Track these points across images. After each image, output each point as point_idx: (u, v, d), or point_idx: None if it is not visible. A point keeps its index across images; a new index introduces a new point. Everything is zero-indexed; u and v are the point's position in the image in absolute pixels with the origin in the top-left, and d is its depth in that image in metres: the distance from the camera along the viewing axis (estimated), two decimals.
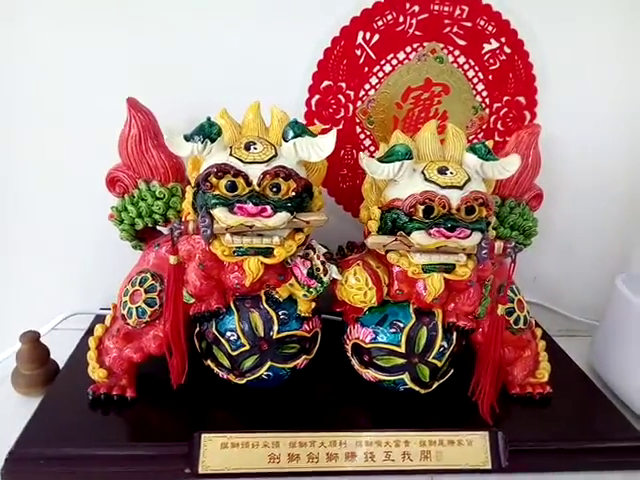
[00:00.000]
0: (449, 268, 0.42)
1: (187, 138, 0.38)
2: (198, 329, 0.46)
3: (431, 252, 0.41)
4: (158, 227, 0.49)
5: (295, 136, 0.38)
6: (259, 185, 0.38)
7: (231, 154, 0.38)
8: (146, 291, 0.45)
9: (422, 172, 0.40)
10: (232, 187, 0.38)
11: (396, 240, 0.41)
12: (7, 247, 0.58)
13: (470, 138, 0.56)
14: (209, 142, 0.38)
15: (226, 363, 0.45)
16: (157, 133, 0.46)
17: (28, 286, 0.59)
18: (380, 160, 0.40)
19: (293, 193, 0.39)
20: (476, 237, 0.40)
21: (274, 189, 0.38)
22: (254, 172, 0.38)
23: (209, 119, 0.39)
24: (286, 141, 0.39)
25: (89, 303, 0.58)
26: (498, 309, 0.44)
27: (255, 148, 0.39)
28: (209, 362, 0.46)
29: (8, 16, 0.50)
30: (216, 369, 0.46)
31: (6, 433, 0.41)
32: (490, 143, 0.44)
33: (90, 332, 0.49)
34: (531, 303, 0.65)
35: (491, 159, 0.41)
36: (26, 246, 0.58)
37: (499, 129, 0.57)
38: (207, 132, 0.38)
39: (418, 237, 0.40)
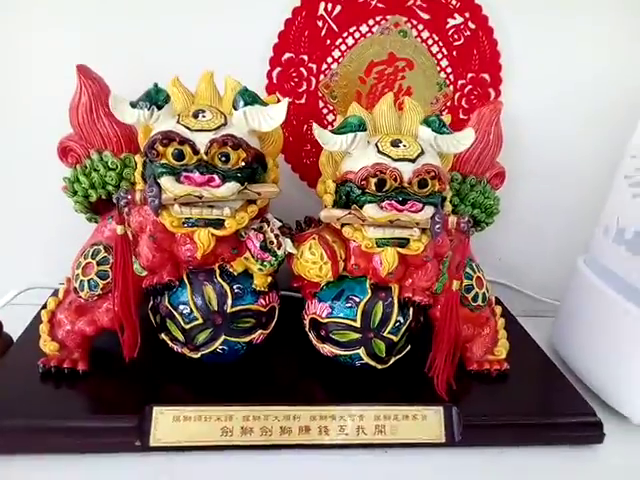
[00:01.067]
0: (403, 242, 0.42)
1: (133, 105, 0.37)
2: (152, 302, 0.45)
3: (385, 226, 0.41)
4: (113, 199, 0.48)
5: (245, 104, 0.38)
6: (207, 154, 0.37)
7: (178, 122, 0.37)
8: (98, 263, 0.44)
9: (375, 144, 0.40)
10: (179, 155, 0.37)
11: (350, 214, 0.41)
12: None
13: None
14: (156, 109, 0.37)
15: (180, 337, 0.45)
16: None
17: None
18: (333, 132, 0.40)
19: (243, 163, 0.38)
20: (428, 211, 0.40)
21: (223, 158, 0.37)
22: (202, 140, 0.37)
23: (156, 85, 0.38)
24: (236, 109, 0.38)
25: (47, 277, 0.57)
26: (453, 284, 0.44)
27: (204, 116, 0.38)
28: (163, 336, 0.46)
29: None
30: (170, 343, 0.46)
31: None
32: (448, 119, 0.43)
33: (43, 305, 0.48)
34: (496, 283, 0.66)
35: (445, 132, 0.40)
36: None
37: (463, 106, 0.56)
38: (154, 98, 0.37)
39: (370, 210, 0.39)
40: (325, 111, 0.55)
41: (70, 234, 0.52)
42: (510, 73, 0.55)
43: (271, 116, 0.38)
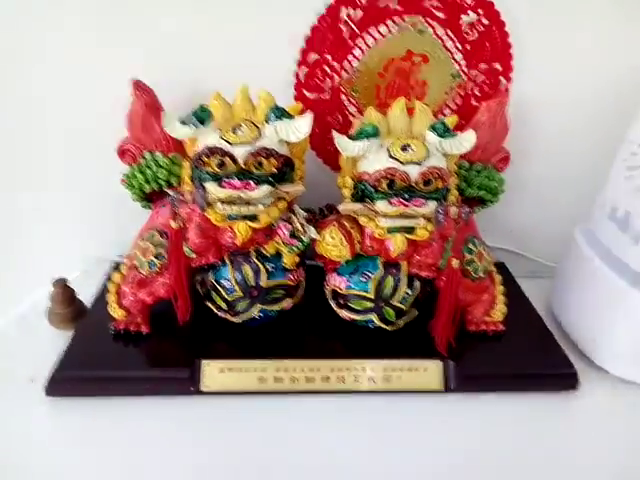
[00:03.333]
0: (410, 230, 0.49)
1: (182, 122, 0.44)
2: (199, 277, 0.54)
3: (394, 217, 0.48)
4: (164, 190, 0.56)
5: (275, 119, 0.44)
6: (244, 163, 0.44)
7: (220, 137, 0.44)
8: (155, 246, 0.52)
9: (387, 149, 0.46)
10: (221, 165, 0.44)
11: (364, 207, 0.48)
12: (42, 208, 0.66)
13: (448, 103, 0.61)
14: (201, 126, 0.44)
15: (223, 306, 0.54)
16: (159, 111, 0.52)
17: (57, 236, 0.67)
18: (350, 138, 0.46)
19: (274, 169, 0.45)
20: (431, 205, 0.47)
21: (257, 166, 0.44)
22: (240, 152, 0.44)
23: (201, 106, 0.45)
24: (268, 124, 0.45)
25: (107, 251, 0.67)
26: (453, 262, 0.51)
27: (241, 131, 0.45)
28: (209, 304, 0.55)
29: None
30: (215, 310, 0.55)
31: (47, 358, 0.51)
32: (453, 120, 0.49)
33: (109, 278, 0.58)
34: (505, 250, 0.73)
35: (448, 136, 0.46)
36: (55, 206, 0.66)
37: (476, 94, 0.60)
38: (199, 117, 0.44)
39: (381, 205, 0.46)
40: (347, 103, 0.60)
41: (120, 217, 0.61)
42: (520, 61, 0.59)
43: (298, 129, 0.45)
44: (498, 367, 0.55)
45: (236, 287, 0.52)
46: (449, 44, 0.57)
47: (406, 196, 0.45)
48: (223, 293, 0.52)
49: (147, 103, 0.50)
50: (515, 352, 0.57)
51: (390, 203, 0.46)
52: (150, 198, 0.56)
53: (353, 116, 0.61)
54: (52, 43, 0.56)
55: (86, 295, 0.61)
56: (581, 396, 0.54)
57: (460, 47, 0.57)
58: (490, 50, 0.58)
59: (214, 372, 0.51)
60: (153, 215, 0.55)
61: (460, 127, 0.56)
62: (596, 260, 0.56)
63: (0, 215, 0.66)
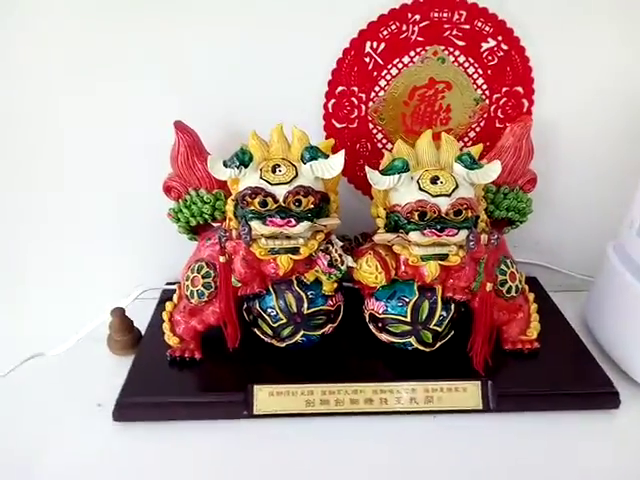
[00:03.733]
0: (443, 257, 0.51)
1: (225, 164, 0.48)
2: (246, 305, 0.58)
3: (427, 246, 0.50)
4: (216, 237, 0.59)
5: (310, 159, 0.48)
6: (284, 202, 0.48)
7: (261, 177, 0.48)
8: (203, 277, 0.55)
9: (417, 181, 0.49)
10: (263, 204, 0.48)
11: (398, 237, 0.50)
12: (96, 236, 0.71)
13: (473, 126, 0.63)
14: (243, 168, 0.48)
15: (269, 332, 0.57)
16: (201, 149, 0.56)
17: (111, 266, 0.72)
18: (381, 172, 0.49)
19: (312, 205, 0.48)
20: (462, 234, 0.49)
21: (297, 204, 0.48)
22: (280, 192, 0.48)
23: (242, 148, 0.48)
24: (304, 163, 0.48)
25: (156, 280, 0.71)
26: (487, 286, 0.53)
27: (280, 170, 0.48)
28: (256, 330, 0.58)
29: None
30: (261, 336, 0.58)
31: (108, 383, 0.56)
32: (478, 149, 0.51)
33: (160, 304, 0.62)
34: (537, 265, 0.74)
35: (475, 168, 0.48)
36: (106, 235, 0.71)
37: (499, 117, 0.62)
38: (241, 159, 0.48)
39: (414, 236, 0.49)
40: (375, 131, 0.63)
41: (168, 247, 0.66)
42: (541, 84, 0.61)
43: (332, 167, 0.48)
44: (537, 386, 0.56)
45: (280, 314, 0.55)
46: (470, 70, 0.59)
47: (438, 227, 0.48)
48: (268, 320, 0.56)
49: (189, 144, 0.55)
50: (553, 370, 0.58)
51: (423, 234, 0.49)
52: (196, 230, 0.60)
53: (381, 142, 0.64)
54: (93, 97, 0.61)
55: (138, 321, 0.65)
56: (621, 415, 0.55)
57: (481, 72, 0.60)
58: (511, 74, 0.60)
59: (265, 395, 0.55)
60: (200, 247, 0.59)
61: (485, 149, 0.58)
62: (627, 275, 0.57)
63: (59, 248, 0.71)
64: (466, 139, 0.64)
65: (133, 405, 0.54)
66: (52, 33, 0.57)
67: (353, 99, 0.61)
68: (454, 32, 0.57)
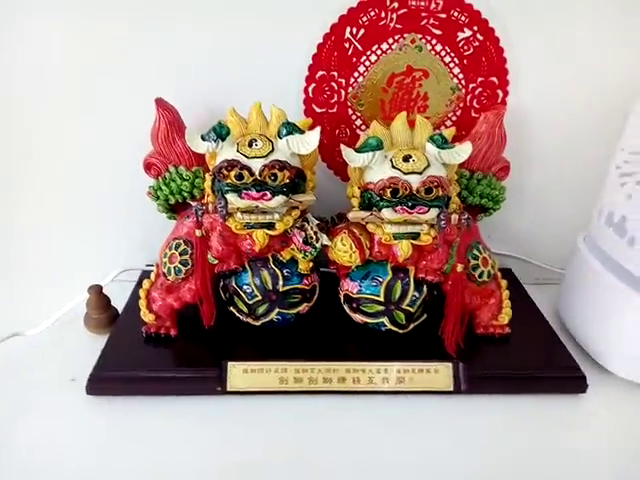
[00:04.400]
0: (415, 235, 0.52)
1: (203, 138, 0.49)
2: (222, 283, 0.58)
3: (399, 224, 0.52)
4: (187, 201, 0.60)
5: (287, 134, 0.49)
6: (260, 175, 0.48)
7: (238, 150, 0.49)
8: (180, 254, 0.56)
9: (390, 160, 0.50)
10: (239, 177, 0.49)
11: (371, 215, 0.52)
12: (75, 218, 0.71)
13: (449, 115, 0.65)
14: (220, 141, 0.49)
15: (244, 309, 0.58)
16: (181, 127, 0.57)
17: (90, 247, 0.73)
18: (356, 150, 0.50)
19: (287, 180, 0.49)
20: (433, 212, 0.50)
21: (272, 177, 0.49)
22: (256, 165, 0.48)
23: (220, 122, 0.49)
24: (280, 138, 0.49)
25: (136, 260, 0.72)
26: (457, 267, 0.54)
27: (256, 145, 0.49)
28: (232, 308, 0.59)
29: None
30: (237, 314, 0.59)
31: (84, 360, 0.55)
32: (451, 132, 0.53)
33: (139, 284, 0.62)
34: (512, 257, 0.76)
35: (446, 147, 0.50)
36: (86, 217, 0.71)
37: (475, 106, 0.64)
38: (218, 132, 0.49)
39: (387, 213, 0.50)
40: (354, 117, 0.64)
41: (148, 227, 0.67)
42: (516, 74, 0.62)
43: (307, 142, 0.49)
44: (507, 369, 0.57)
45: (256, 291, 0.56)
46: (447, 59, 0.61)
47: (409, 204, 0.49)
48: (244, 297, 0.57)
49: (170, 120, 0.55)
50: (523, 355, 0.59)
51: (395, 211, 0.50)
52: (175, 209, 0.60)
53: (360, 129, 0.65)
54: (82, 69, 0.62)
55: (116, 301, 0.65)
56: (589, 398, 0.56)
57: (457, 61, 0.61)
58: (486, 64, 0.61)
59: (239, 373, 0.55)
60: (178, 225, 0.59)
61: (460, 137, 0.60)
62: (597, 265, 0.59)
63: (38, 230, 0.71)
64: (443, 128, 0.65)
65: (106, 379, 0.54)
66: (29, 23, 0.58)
67: (333, 84, 0.62)
68: (431, 21, 0.59)
